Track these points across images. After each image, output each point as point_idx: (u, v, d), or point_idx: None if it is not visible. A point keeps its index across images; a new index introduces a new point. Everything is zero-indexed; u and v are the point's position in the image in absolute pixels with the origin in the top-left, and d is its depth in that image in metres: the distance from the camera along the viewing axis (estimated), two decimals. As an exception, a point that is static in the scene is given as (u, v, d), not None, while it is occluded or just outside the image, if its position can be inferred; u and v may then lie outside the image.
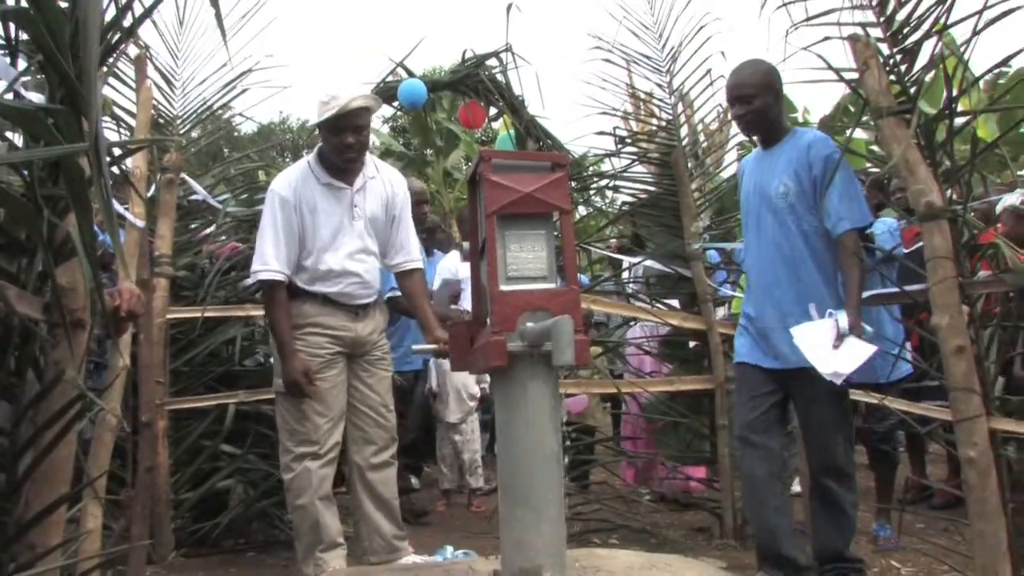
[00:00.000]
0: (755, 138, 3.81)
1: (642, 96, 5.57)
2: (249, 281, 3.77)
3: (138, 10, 1.79)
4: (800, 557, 3.49)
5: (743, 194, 3.76)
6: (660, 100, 5.27)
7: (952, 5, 3.14)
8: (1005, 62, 3.42)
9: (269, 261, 3.71)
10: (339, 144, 3.72)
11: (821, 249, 3.49)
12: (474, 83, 4.75)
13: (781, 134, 3.61)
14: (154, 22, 4.82)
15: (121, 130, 4.65)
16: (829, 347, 3.25)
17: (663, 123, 5.24)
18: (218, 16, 1.61)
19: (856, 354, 3.22)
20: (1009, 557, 2.94)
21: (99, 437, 3.47)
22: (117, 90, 4.60)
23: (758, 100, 3.51)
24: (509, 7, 4.89)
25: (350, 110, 3.65)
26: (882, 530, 4.59)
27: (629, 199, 5.45)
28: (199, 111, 5.11)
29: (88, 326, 1.70)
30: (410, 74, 4.98)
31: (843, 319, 3.26)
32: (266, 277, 3.72)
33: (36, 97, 1.86)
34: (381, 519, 3.89)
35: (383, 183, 3.94)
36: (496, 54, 4.80)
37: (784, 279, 3.53)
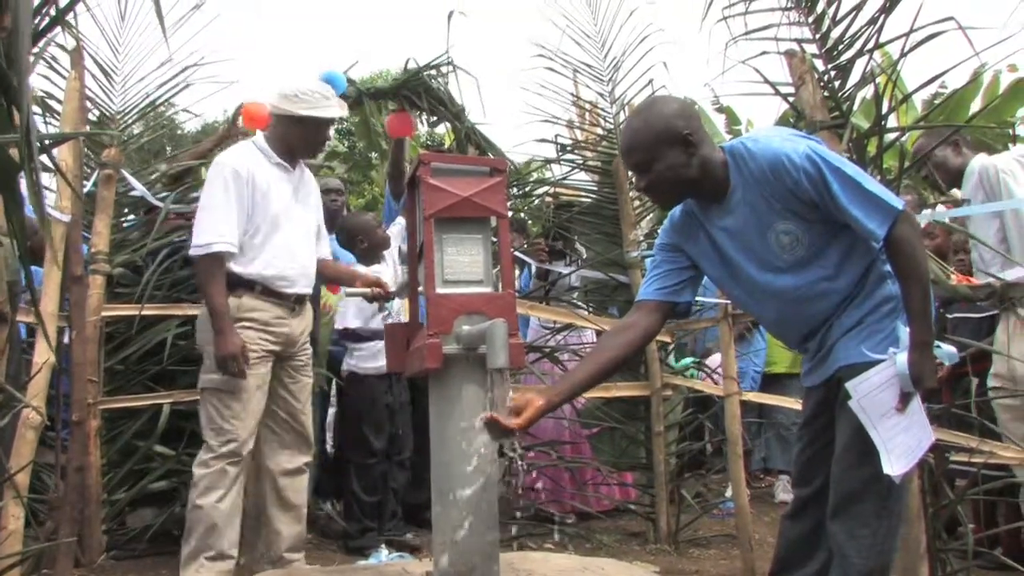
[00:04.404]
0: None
1: (586, 106, 5.63)
2: (198, 253, 3.56)
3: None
4: None
5: (714, 278, 2.74)
6: (603, 110, 5.33)
7: (883, 26, 3.25)
8: (930, 82, 3.54)
9: (224, 232, 3.54)
10: (316, 140, 3.80)
11: (862, 262, 2.51)
12: (414, 90, 4.75)
13: (724, 180, 2.51)
14: (94, 16, 4.75)
15: (55, 122, 4.55)
16: (891, 411, 2.36)
17: (605, 132, 5.30)
18: (158, 10, 1.60)
19: (917, 435, 2.37)
20: (927, 558, 3.04)
21: (22, 435, 3.38)
22: (54, 83, 4.52)
23: (659, 163, 2.47)
24: (451, 14, 4.91)
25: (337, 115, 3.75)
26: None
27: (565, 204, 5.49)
28: (140, 107, 5.03)
29: (9, 319, 1.67)
30: (350, 81, 4.94)
31: (901, 358, 2.36)
32: (221, 248, 3.54)
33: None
34: (284, 525, 3.78)
35: (310, 174, 4.01)
36: (438, 65, 4.81)
37: (824, 325, 2.56)
